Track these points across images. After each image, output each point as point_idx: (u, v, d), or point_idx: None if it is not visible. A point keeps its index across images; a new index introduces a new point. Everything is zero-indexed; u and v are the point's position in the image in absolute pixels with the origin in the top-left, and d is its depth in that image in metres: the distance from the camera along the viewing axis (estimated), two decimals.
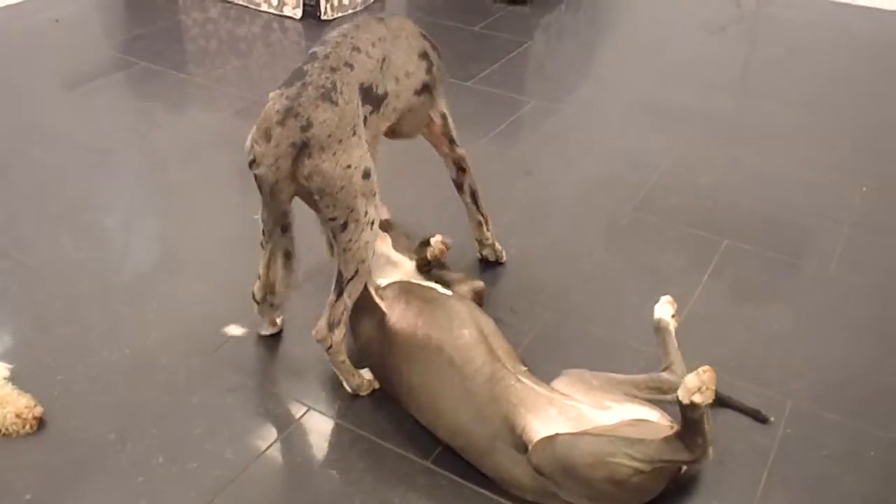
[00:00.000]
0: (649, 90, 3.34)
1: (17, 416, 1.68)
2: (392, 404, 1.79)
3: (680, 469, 1.55)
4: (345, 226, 1.64)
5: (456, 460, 1.68)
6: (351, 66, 1.65)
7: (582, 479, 1.48)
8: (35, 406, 1.70)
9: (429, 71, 1.90)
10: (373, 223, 1.68)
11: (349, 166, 1.59)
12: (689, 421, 1.43)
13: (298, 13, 3.86)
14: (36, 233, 2.35)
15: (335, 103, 1.58)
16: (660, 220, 2.48)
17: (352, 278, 1.70)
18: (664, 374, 1.71)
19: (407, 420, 1.76)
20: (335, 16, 3.89)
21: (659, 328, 1.76)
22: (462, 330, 1.66)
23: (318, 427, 1.76)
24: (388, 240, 1.96)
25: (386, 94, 1.74)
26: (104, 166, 2.72)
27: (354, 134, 1.60)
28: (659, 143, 2.93)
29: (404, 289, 1.79)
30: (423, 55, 1.89)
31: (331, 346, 1.74)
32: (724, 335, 2.04)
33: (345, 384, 1.81)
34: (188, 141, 2.86)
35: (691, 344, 1.99)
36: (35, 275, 2.18)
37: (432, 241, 1.84)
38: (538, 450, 1.50)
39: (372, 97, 1.70)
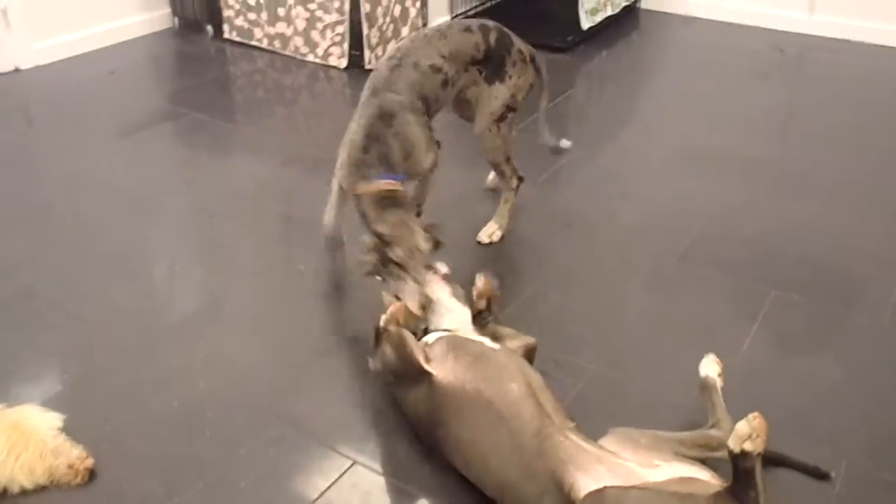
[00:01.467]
0: (692, 137, 3.33)
1: (70, 466, 1.70)
2: (436, 458, 1.79)
3: None
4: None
5: None
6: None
7: None
8: (86, 458, 1.73)
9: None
10: None
11: None
12: (741, 472, 1.40)
13: (343, 63, 3.94)
14: (86, 282, 2.40)
15: None
16: (705, 271, 2.46)
17: None
18: (712, 431, 1.68)
19: (451, 475, 1.75)
20: None
21: (706, 386, 1.73)
22: (511, 384, 1.66)
23: (364, 481, 1.76)
24: (448, 288, 1.98)
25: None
26: (152, 215, 2.79)
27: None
28: (702, 192, 2.92)
29: (452, 344, 1.79)
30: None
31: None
32: (772, 389, 2.00)
33: None
34: (235, 190, 2.92)
35: (739, 398, 1.95)
36: (85, 325, 2.23)
37: (477, 279, 1.87)
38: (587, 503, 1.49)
39: None
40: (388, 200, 2.08)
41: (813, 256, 2.53)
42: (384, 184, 2.11)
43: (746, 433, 1.38)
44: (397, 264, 1.99)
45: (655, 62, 4.33)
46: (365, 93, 2.25)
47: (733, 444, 1.39)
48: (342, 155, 2.22)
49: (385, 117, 2.17)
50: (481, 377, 1.69)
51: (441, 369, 1.74)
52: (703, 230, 2.66)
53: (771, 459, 1.72)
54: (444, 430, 1.71)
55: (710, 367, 1.75)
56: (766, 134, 3.39)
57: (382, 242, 2.03)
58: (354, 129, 2.20)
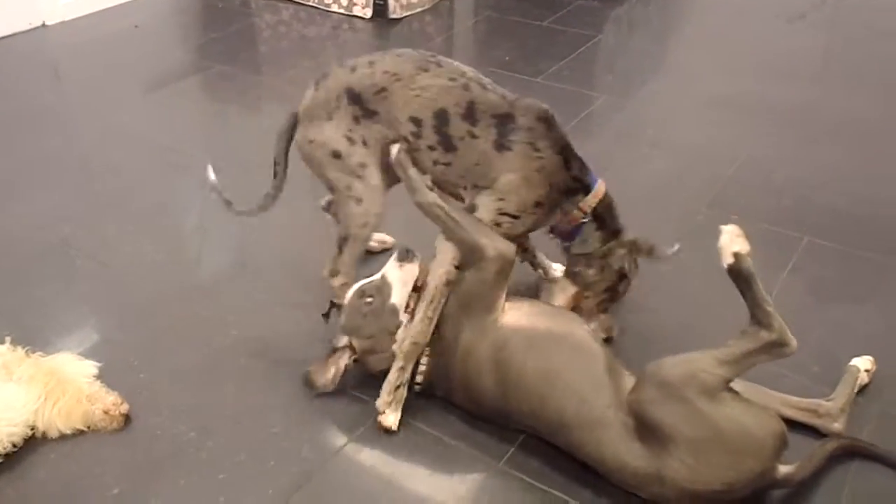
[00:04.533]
0: (723, 82, 3.26)
1: (105, 412, 1.75)
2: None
3: (781, 450, 1.52)
4: (329, 189, 1.94)
5: (527, 462, 1.68)
6: (353, 69, 1.86)
7: (676, 397, 1.49)
8: (122, 403, 1.77)
9: (414, 135, 1.83)
10: (358, 200, 1.86)
11: (312, 141, 1.87)
12: (745, 291, 1.56)
13: (368, 13, 3.90)
14: (119, 234, 2.43)
15: (315, 88, 1.89)
16: (736, 218, 2.41)
17: (345, 238, 1.93)
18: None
19: (478, 420, 1.77)
20: (404, 14, 3.91)
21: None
22: (583, 327, 1.75)
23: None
24: None
25: (377, 112, 1.84)
26: (181, 167, 2.80)
27: (329, 119, 1.83)
28: (734, 137, 2.86)
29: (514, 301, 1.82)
30: (416, 121, 1.82)
31: (334, 287, 1.97)
32: (805, 337, 1.95)
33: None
34: (262, 142, 2.89)
35: None
36: (118, 276, 2.26)
37: None
38: (636, 384, 1.57)
39: (361, 104, 1.84)
40: None
41: (846, 204, 2.48)
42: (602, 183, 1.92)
43: (727, 243, 1.54)
44: None
45: (687, 6, 4.22)
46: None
47: (725, 261, 1.55)
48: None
49: (548, 115, 1.86)
50: (555, 320, 1.76)
51: (513, 314, 1.76)
52: (734, 176, 2.62)
53: (865, 453, 1.68)
54: (506, 365, 1.69)
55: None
56: (800, 79, 3.30)
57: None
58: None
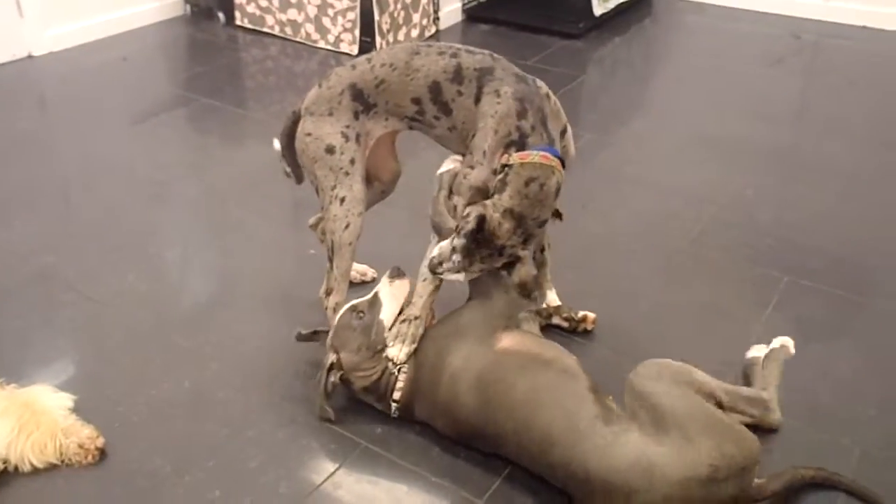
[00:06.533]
0: (705, 123, 3.31)
1: (80, 446, 1.71)
2: (445, 441, 1.78)
3: (756, 455, 1.58)
4: (316, 191, 1.94)
5: (508, 497, 1.66)
6: (353, 67, 1.91)
7: (671, 379, 1.62)
8: (97, 437, 1.74)
9: (419, 113, 1.88)
10: (341, 200, 1.88)
11: (309, 134, 1.88)
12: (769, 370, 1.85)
13: (355, 49, 3.93)
14: (100, 265, 2.41)
15: (319, 86, 1.92)
16: (718, 257, 2.44)
17: (331, 249, 1.94)
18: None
19: (460, 456, 1.75)
20: None
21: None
22: (570, 356, 1.78)
23: (372, 462, 1.76)
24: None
25: (375, 105, 1.89)
26: (165, 200, 2.79)
27: (330, 114, 1.86)
28: (716, 178, 2.89)
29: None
30: (416, 101, 1.86)
31: (327, 308, 2.00)
32: (787, 376, 1.98)
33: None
34: (245, 175, 2.92)
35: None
36: (98, 307, 2.24)
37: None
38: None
39: (362, 99, 1.87)
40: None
41: (826, 244, 2.50)
42: (542, 156, 1.71)
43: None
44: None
45: (668, 49, 4.29)
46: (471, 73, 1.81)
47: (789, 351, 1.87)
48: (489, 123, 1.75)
49: (525, 78, 1.80)
50: (542, 346, 1.80)
51: (506, 340, 1.80)
52: (715, 216, 2.64)
53: (829, 482, 1.67)
54: (500, 384, 1.70)
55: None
56: (780, 121, 3.35)
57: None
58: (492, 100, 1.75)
